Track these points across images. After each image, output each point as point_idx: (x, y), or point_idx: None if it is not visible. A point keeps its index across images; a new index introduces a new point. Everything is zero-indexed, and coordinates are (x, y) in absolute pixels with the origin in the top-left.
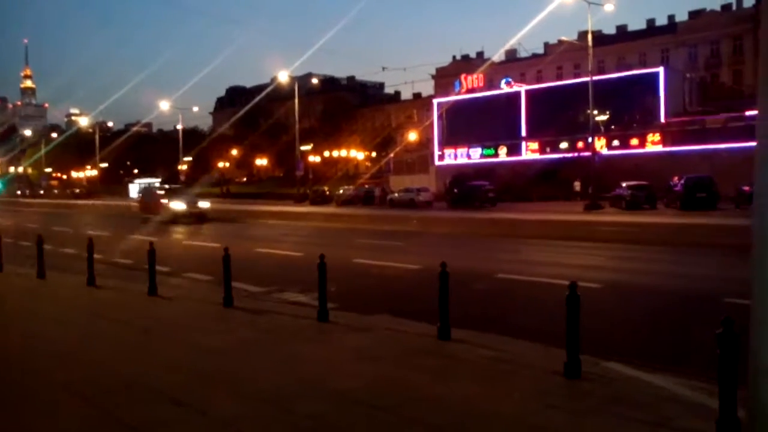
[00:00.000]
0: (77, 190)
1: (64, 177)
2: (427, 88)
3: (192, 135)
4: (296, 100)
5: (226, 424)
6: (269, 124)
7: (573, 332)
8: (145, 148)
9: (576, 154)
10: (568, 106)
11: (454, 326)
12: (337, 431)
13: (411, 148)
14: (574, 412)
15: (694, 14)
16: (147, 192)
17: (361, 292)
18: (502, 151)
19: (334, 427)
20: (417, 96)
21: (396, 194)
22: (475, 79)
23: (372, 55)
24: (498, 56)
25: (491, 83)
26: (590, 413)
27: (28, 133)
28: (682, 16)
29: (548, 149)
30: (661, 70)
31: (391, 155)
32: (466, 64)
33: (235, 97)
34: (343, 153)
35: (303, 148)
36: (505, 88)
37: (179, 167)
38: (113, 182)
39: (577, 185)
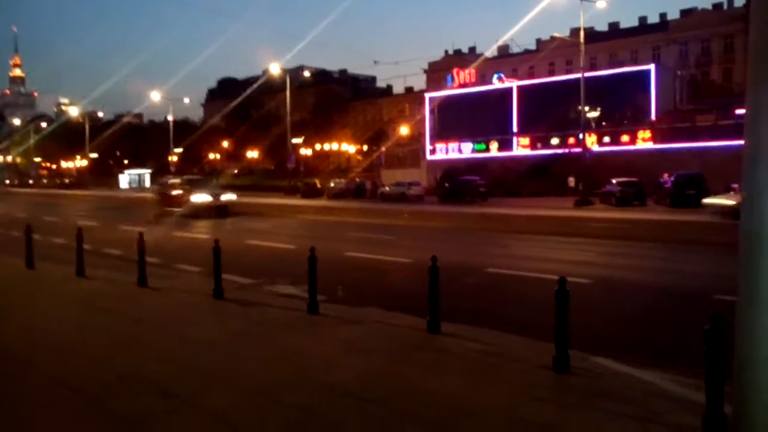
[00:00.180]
0: (66, 180)
1: (54, 167)
2: (419, 82)
3: (183, 126)
4: (288, 93)
5: (218, 415)
6: (261, 116)
7: (562, 327)
8: (136, 138)
9: (567, 150)
10: (559, 103)
11: (445, 320)
12: (328, 423)
13: (403, 142)
14: (561, 405)
15: (685, 13)
16: (165, 184)
17: (352, 285)
18: (494, 146)
19: (324, 419)
20: (409, 90)
21: (387, 188)
22: (467, 74)
23: (364, 48)
24: (490, 52)
25: (483, 78)
26: (578, 407)
27: (16, 122)
28: (673, 15)
29: (539, 145)
30: (652, 67)
31: (383, 149)
32: (458, 59)
33: (226, 88)
34: (335, 146)
35: (294, 140)
36: (497, 84)
37: (169, 158)
38: (103, 173)
39: (571, 181)
